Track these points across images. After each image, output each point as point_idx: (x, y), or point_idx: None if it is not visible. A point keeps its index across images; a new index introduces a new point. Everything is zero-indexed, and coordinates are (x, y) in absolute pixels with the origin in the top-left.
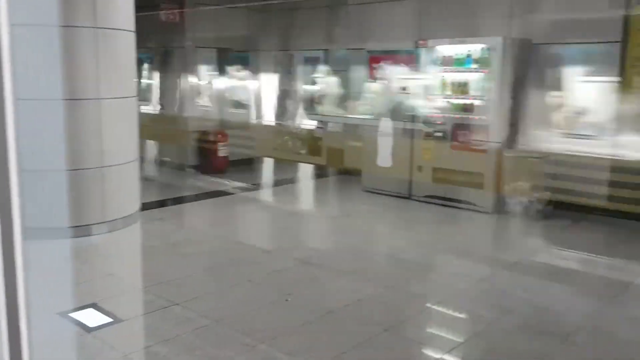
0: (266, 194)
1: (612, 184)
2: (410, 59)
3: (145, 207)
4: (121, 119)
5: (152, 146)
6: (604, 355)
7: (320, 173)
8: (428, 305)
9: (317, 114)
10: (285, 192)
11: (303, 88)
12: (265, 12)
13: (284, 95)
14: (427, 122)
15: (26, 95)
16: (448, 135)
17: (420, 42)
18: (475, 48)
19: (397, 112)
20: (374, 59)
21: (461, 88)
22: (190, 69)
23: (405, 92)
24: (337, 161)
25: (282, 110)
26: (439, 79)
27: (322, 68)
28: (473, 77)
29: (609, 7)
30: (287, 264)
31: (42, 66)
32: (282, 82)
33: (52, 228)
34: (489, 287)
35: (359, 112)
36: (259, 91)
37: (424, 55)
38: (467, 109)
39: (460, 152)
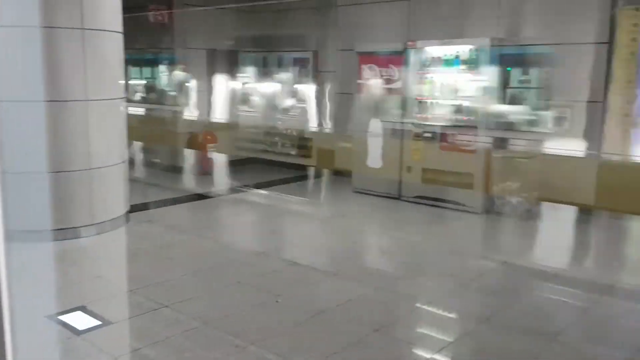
0: (256, 196)
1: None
2: (400, 60)
3: (134, 209)
4: (109, 120)
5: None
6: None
7: (310, 174)
8: (418, 305)
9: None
10: (275, 193)
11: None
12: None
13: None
14: (416, 123)
15: (10, 97)
16: (437, 136)
17: (409, 43)
18: (463, 49)
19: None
20: (365, 60)
21: (449, 89)
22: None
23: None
24: (328, 162)
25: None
26: (427, 80)
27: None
28: (461, 78)
29: (596, 9)
30: (277, 266)
31: (27, 68)
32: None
33: (40, 231)
34: (478, 287)
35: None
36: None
37: (412, 56)
38: (455, 109)
39: (449, 153)
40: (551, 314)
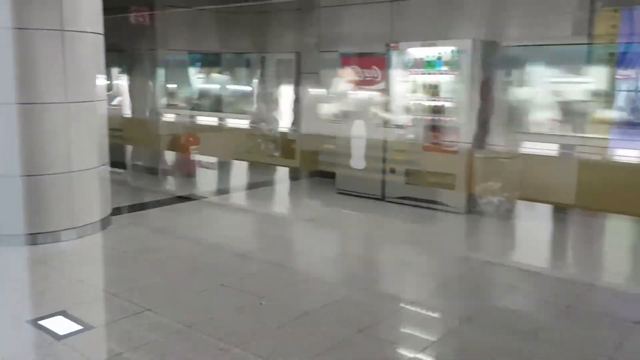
0: (239, 198)
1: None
2: (383, 61)
3: (116, 212)
4: (89, 122)
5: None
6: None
7: (294, 176)
8: (401, 305)
9: None
10: (259, 195)
11: None
12: None
13: None
14: (399, 124)
15: None
16: (420, 137)
17: (392, 44)
18: (445, 50)
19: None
20: (346, 61)
21: (432, 90)
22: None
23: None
24: (311, 164)
25: None
26: (410, 81)
27: None
28: (444, 79)
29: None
30: (260, 268)
31: (3, 69)
32: None
33: (19, 235)
34: (460, 286)
35: None
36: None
37: (395, 57)
38: (438, 110)
39: (432, 154)
40: (532, 311)
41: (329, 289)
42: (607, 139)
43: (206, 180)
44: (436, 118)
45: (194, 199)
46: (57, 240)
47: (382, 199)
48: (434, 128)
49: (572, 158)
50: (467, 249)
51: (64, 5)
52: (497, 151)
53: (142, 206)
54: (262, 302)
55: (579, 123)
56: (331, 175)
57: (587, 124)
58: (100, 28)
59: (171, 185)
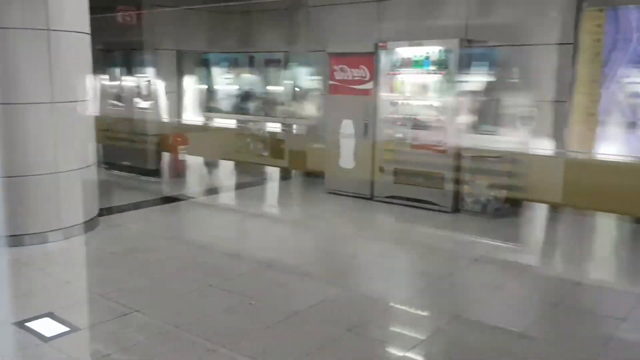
0: (228, 198)
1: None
2: (371, 61)
3: (103, 212)
4: (76, 123)
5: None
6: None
7: (283, 176)
8: (390, 304)
9: None
10: (247, 195)
11: None
12: None
13: None
14: (387, 123)
15: None
16: (408, 136)
17: (381, 44)
18: (433, 50)
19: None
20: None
21: (420, 89)
22: None
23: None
24: (300, 164)
25: None
26: (398, 81)
27: None
28: (431, 79)
29: (561, 11)
30: (249, 268)
31: None
32: None
33: (4, 236)
34: (449, 284)
35: None
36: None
37: (384, 57)
38: (426, 109)
39: (420, 153)
40: (521, 309)
41: (318, 288)
42: None
43: (202, 180)
44: (424, 117)
45: (185, 199)
46: (44, 242)
47: (371, 198)
48: (422, 127)
49: (560, 157)
50: (454, 247)
51: (49, 4)
52: (485, 150)
53: (135, 206)
54: (252, 302)
55: None
56: (321, 175)
57: None
58: (87, 27)
59: (160, 184)
